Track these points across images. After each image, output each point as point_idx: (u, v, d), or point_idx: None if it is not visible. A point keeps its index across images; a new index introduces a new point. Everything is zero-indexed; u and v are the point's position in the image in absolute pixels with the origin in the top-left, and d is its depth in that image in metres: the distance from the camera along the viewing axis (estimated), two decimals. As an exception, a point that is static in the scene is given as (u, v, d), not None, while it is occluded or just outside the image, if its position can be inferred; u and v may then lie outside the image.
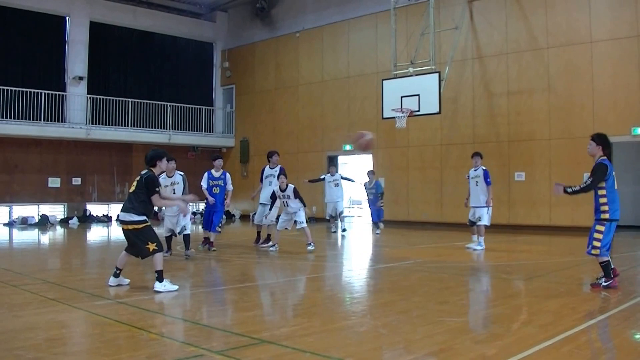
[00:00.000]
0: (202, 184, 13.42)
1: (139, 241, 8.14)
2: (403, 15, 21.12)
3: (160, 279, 8.08)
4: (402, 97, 18.45)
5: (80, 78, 25.23)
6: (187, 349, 5.26)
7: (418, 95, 18.20)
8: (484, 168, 13.81)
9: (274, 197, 13.52)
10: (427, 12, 19.22)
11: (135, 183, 8.28)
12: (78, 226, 23.44)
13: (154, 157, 8.40)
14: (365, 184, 18.54)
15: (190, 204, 8.12)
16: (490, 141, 20.21)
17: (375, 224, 18.53)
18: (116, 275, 8.38)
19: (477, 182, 13.82)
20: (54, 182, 24.82)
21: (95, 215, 25.83)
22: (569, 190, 8.55)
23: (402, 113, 18.38)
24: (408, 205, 21.81)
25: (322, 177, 19.00)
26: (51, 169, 24.70)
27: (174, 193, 12.05)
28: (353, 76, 24.60)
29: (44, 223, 23.73)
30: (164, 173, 11.77)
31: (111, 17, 26.55)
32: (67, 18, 25.50)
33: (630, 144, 19.19)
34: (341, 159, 26.08)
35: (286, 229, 13.41)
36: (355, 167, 29.75)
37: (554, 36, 19.18)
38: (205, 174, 13.57)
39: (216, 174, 13.44)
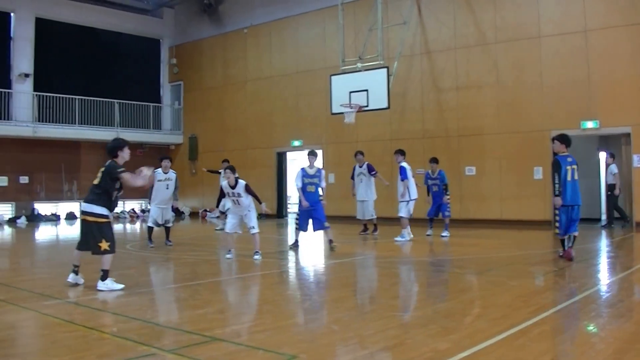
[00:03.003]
0: (296, 183, 12.49)
1: (94, 236, 7.98)
2: (351, 11, 21.02)
3: (104, 277, 7.96)
4: (350, 92, 18.31)
5: (26, 75, 24.70)
6: (139, 348, 5.16)
7: (367, 90, 18.09)
8: (402, 165, 13.97)
9: (222, 194, 11.91)
10: (375, 7, 19.13)
11: (99, 174, 8.13)
12: (26, 225, 23.07)
13: (115, 147, 8.26)
14: (426, 173, 15.87)
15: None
16: (440, 136, 20.30)
17: (431, 221, 15.81)
18: (75, 273, 8.27)
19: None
20: (1, 181, 24.32)
21: (43, 214, 25.47)
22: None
23: (351, 108, 18.27)
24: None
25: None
26: (-3, 168, 24.20)
27: (167, 189, 13.41)
28: (301, 72, 24.42)
29: (-9, 223, 23.09)
30: (160, 169, 13.25)
31: (57, 13, 26.05)
32: (11, 14, 24.93)
33: (579, 138, 19.48)
34: (290, 155, 25.88)
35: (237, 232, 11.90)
36: (303, 163, 29.67)
37: (502, 31, 19.31)
38: (300, 172, 12.54)
39: (310, 171, 12.57)
